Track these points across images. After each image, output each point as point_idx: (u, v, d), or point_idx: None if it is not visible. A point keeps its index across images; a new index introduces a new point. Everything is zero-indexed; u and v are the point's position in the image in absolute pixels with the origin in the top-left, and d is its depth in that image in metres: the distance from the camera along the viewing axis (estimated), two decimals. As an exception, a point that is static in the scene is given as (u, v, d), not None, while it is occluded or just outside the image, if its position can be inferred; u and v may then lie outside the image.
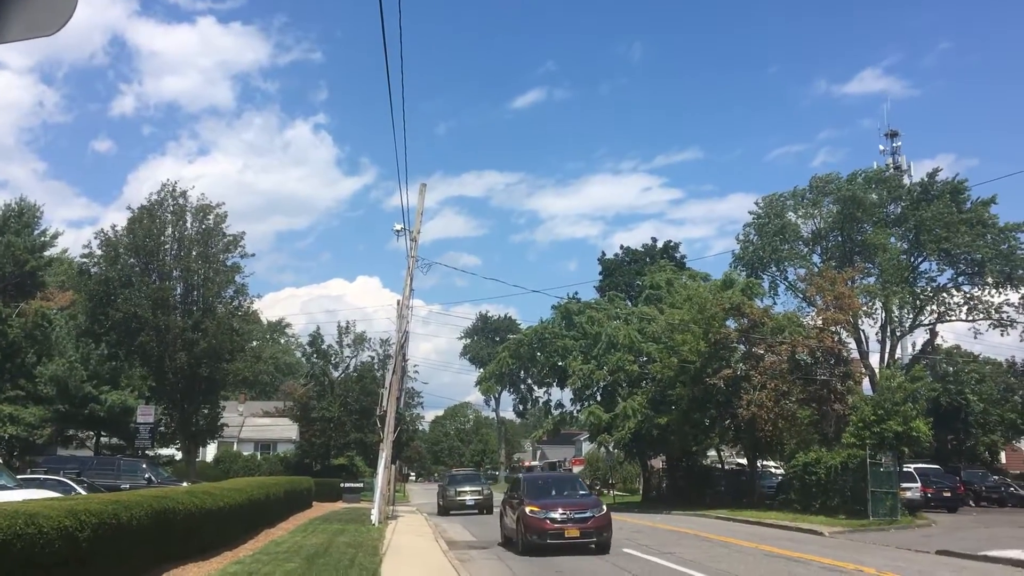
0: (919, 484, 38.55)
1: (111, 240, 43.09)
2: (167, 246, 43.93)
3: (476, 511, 39.08)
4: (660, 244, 64.60)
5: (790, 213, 54.18)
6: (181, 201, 44.25)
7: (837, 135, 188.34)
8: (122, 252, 42.87)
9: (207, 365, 42.95)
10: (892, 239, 50.67)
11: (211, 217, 44.53)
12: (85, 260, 44.18)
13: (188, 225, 44.34)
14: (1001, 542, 21.40)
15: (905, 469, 37.30)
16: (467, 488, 40.73)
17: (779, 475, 45.56)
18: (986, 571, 16.52)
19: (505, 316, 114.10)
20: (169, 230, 43.94)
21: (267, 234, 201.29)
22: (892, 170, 57.56)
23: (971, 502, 44.77)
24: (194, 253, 43.75)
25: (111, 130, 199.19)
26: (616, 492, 60.76)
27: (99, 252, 43.22)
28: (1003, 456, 62.90)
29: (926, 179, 51.85)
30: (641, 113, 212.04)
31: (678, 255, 63.32)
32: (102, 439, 45.86)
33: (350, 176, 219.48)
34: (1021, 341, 51.37)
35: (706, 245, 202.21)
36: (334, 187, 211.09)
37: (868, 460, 30.18)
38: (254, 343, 62.71)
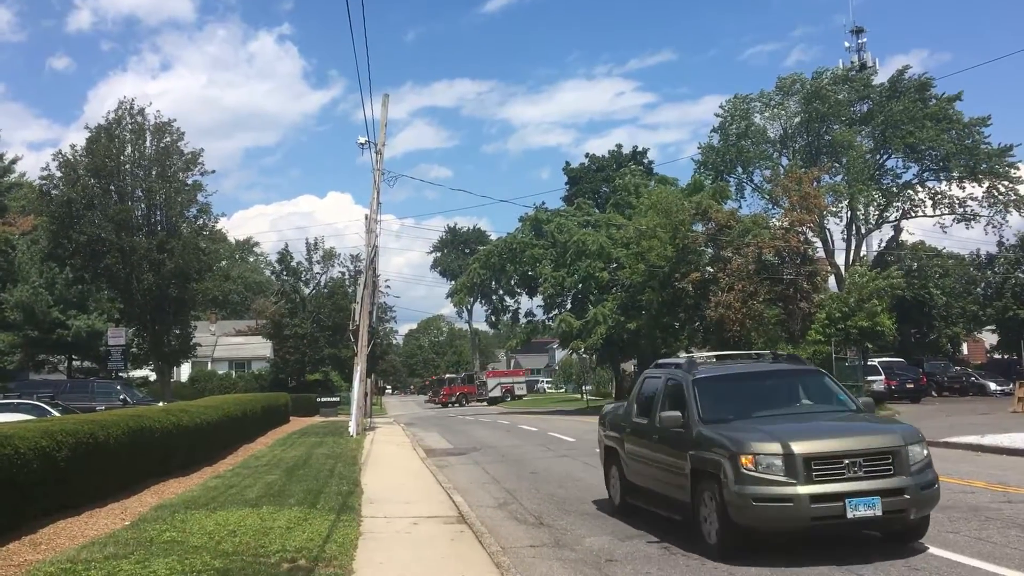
0: (883, 377, 39.63)
1: (70, 161, 42.17)
2: (127, 166, 43.08)
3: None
4: (627, 151, 64.18)
5: (756, 115, 54.03)
6: (139, 119, 43.25)
7: (811, 32, 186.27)
8: (82, 173, 41.98)
9: (175, 286, 42.65)
10: (858, 137, 50.79)
11: (168, 135, 43.63)
12: (45, 182, 43.27)
13: (147, 144, 43.44)
14: (960, 429, 22.17)
15: (870, 363, 38.28)
16: (844, 440, 8.73)
17: (748, 374, 46.52)
18: (945, 455, 17.10)
19: (474, 228, 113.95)
20: (128, 149, 43.04)
21: (234, 151, 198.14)
22: (857, 67, 57.24)
23: (934, 392, 46.07)
24: (154, 173, 42.99)
25: (68, 47, 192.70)
26: (589, 396, 61.86)
27: (58, 174, 42.32)
28: (964, 347, 64.63)
29: (895, 75, 51.85)
30: (614, 14, 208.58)
31: (646, 161, 63.00)
32: (74, 363, 45.70)
33: (318, 89, 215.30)
34: (986, 234, 52.36)
35: (680, 149, 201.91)
36: (301, 101, 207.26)
37: (834, 355, 30.90)
38: (222, 263, 62.22)
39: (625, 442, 11.52)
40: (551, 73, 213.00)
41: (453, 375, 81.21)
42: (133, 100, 43.54)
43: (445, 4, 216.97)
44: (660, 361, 12.47)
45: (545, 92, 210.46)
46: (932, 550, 8.54)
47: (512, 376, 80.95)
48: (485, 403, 70.09)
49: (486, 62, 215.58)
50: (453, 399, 70.88)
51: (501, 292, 56.99)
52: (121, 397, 31.89)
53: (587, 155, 65.08)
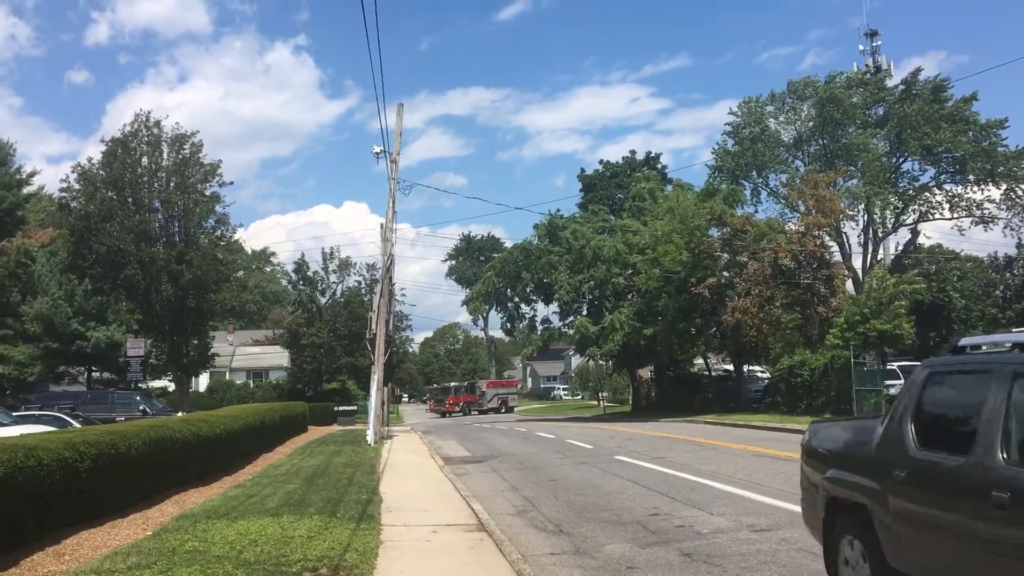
0: (902, 381, 39.30)
1: (89, 174, 42.54)
2: (144, 178, 43.38)
3: None
4: (641, 156, 64.20)
5: (770, 119, 53.88)
6: (156, 131, 43.57)
7: (826, 35, 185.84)
8: (100, 186, 42.33)
9: (193, 296, 42.88)
10: (874, 140, 50.57)
11: (187, 147, 43.93)
12: (64, 195, 43.65)
13: (164, 155, 43.74)
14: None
15: (888, 367, 38.01)
16: None
17: (765, 379, 46.39)
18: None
19: (488, 235, 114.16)
20: (145, 161, 43.34)
21: (251, 161, 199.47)
22: (872, 70, 57.01)
23: (953, 396, 45.63)
24: (172, 184, 43.27)
25: (87, 60, 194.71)
26: (606, 403, 61.76)
27: (77, 186, 42.68)
28: (984, 351, 64.04)
29: (909, 77, 51.62)
30: (630, 20, 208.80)
31: (660, 166, 63.00)
32: (93, 374, 46.05)
33: (334, 99, 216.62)
34: (1005, 236, 52.05)
35: (694, 155, 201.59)
36: (317, 111, 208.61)
37: (852, 360, 30.70)
38: (239, 272, 62.58)
39: (890, 497, 6.14)
40: (566, 80, 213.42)
41: (458, 383, 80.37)
42: (149, 113, 43.96)
43: (459, 12, 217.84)
44: (966, 341, 6.60)
45: (560, 99, 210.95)
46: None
47: (507, 387, 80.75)
48: (476, 412, 69.25)
49: (501, 70, 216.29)
50: (458, 408, 70.31)
51: (517, 299, 57.04)
52: (140, 408, 32.11)
53: (601, 162, 65.25)
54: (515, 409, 74.10)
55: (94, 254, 41.42)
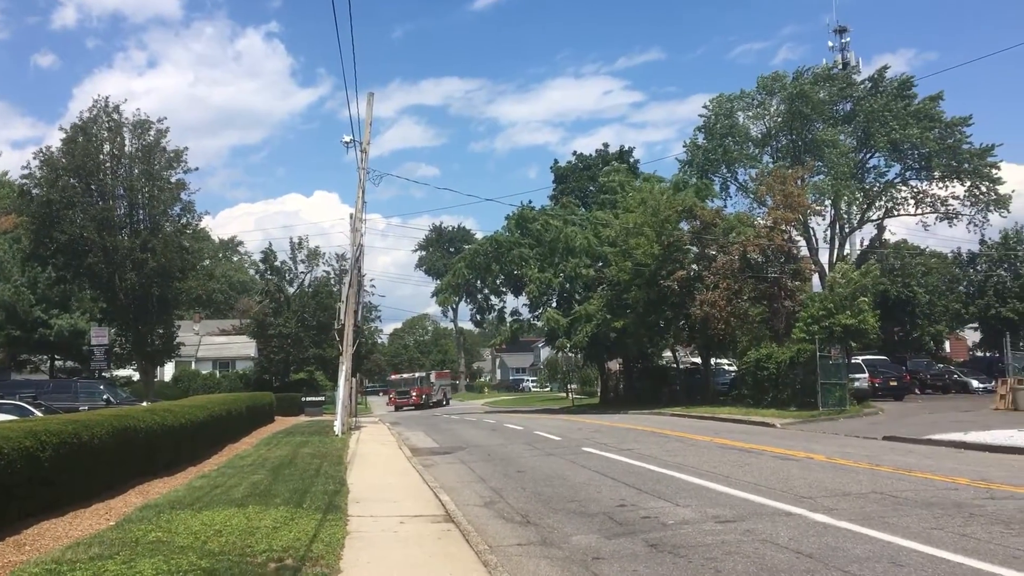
0: (867, 375, 39.91)
1: (51, 160, 41.84)
2: (107, 164, 42.74)
3: None
4: (614, 149, 64.29)
5: (739, 114, 54.16)
6: (116, 117, 42.90)
7: (799, 30, 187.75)
8: (61, 173, 41.66)
9: (158, 284, 42.40)
10: (841, 136, 51.02)
11: (151, 133, 43.33)
12: (26, 182, 42.92)
13: (126, 142, 43.10)
14: (944, 426, 22.32)
15: (853, 361, 38.53)
16: None
17: (732, 372, 46.84)
18: (930, 453, 17.27)
19: (459, 227, 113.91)
20: (106, 148, 42.68)
21: (221, 149, 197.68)
22: (840, 67, 57.54)
23: (917, 390, 46.41)
24: (136, 171, 42.68)
25: (53, 44, 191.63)
26: (575, 395, 61.95)
27: (39, 173, 41.97)
28: (947, 345, 65.10)
29: (876, 75, 52.15)
30: (604, 12, 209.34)
31: (632, 159, 63.11)
32: (56, 363, 45.39)
33: (305, 87, 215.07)
34: (969, 232, 52.78)
35: (666, 148, 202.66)
36: (288, 99, 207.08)
37: (818, 354, 31.02)
38: (206, 261, 61.86)
39: None
40: (540, 71, 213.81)
41: (422, 374, 75.41)
42: (107, 98, 43.26)
43: (434, 2, 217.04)
44: None
45: (533, 90, 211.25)
46: (917, 546, 8.59)
47: (446, 378, 79.00)
48: (432, 405, 66.90)
49: (474, 60, 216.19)
50: (422, 400, 68.26)
51: (486, 291, 56.85)
52: (104, 397, 31.68)
53: (575, 153, 65.17)
54: (451, 401, 72.94)
55: (55, 242, 40.78)
